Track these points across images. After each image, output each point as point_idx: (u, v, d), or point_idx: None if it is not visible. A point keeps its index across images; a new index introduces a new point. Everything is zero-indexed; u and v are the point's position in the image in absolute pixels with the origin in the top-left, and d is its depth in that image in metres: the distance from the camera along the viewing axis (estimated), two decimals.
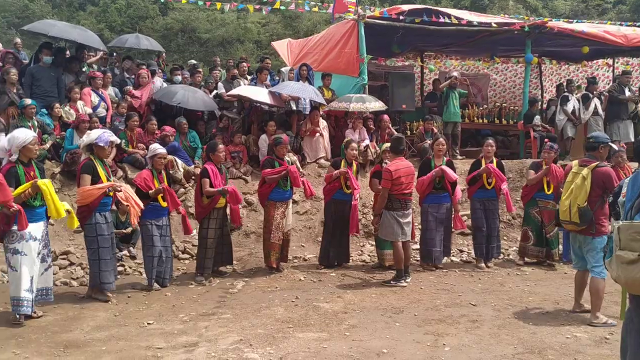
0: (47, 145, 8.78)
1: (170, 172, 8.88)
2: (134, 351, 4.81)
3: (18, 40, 13.81)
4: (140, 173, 7.14)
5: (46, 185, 5.55)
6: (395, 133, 10.58)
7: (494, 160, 8.11)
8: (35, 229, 5.67)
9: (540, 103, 13.77)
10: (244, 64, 12.01)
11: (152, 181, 6.84)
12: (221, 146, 7.50)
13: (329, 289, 6.87)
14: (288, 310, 5.97)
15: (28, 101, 8.66)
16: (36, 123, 8.72)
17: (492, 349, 4.89)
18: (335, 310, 5.97)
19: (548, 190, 8.00)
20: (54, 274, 7.19)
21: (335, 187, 7.85)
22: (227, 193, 7.10)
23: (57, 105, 9.18)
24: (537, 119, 12.12)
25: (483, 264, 8.02)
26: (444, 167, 7.66)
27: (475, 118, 13.31)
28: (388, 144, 8.03)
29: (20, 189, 5.43)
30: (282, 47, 13.84)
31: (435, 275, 7.58)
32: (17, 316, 5.50)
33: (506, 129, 13.79)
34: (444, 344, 4.99)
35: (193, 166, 9.40)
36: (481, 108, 13.79)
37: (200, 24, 32.53)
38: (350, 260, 8.24)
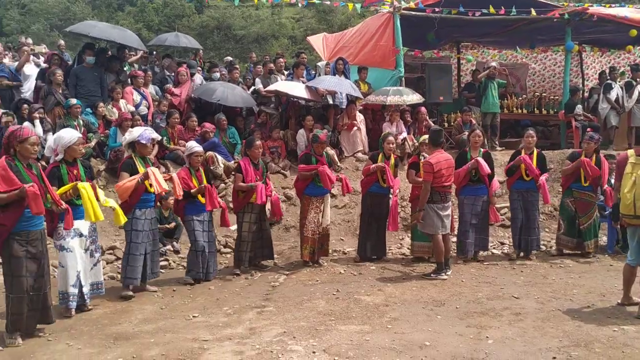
0: (92, 144, 9.06)
1: (211, 167, 9.06)
2: (181, 343, 4.93)
3: (62, 42, 14.26)
4: (178, 172, 7.21)
5: (85, 189, 5.55)
6: (433, 125, 10.56)
7: (535, 151, 7.99)
8: (82, 225, 5.76)
9: (581, 92, 13.45)
10: (281, 59, 12.11)
11: (190, 179, 6.94)
12: (258, 142, 7.57)
13: (369, 282, 6.90)
14: (329, 303, 6.03)
15: (73, 101, 8.95)
16: (81, 122, 9.01)
17: (537, 342, 4.84)
18: (377, 303, 6.00)
19: (585, 183, 7.88)
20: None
21: (372, 180, 7.86)
22: (202, 191, 6.99)
23: (101, 104, 9.45)
24: (579, 108, 11.86)
25: (515, 256, 7.97)
26: (479, 159, 7.59)
27: (515, 108, 13.09)
28: (426, 136, 7.99)
29: (62, 190, 5.51)
30: (318, 41, 13.88)
31: (476, 268, 7.52)
32: (68, 308, 5.70)
33: (546, 119, 13.54)
34: (487, 337, 4.97)
35: (233, 162, 9.53)
36: (520, 98, 13.54)
37: (235, 21, 32.88)
38: (390, 254, 8.26)
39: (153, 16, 34.21)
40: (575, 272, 7.22)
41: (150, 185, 6.39)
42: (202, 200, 6.97)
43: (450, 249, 7.29)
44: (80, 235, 5.78)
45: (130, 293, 6.38)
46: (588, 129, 10.10)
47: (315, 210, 7.59)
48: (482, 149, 7.91)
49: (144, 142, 6.43)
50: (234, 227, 7.92)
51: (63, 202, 5.31)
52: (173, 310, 5.91)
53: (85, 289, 5.84)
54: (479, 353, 4.60)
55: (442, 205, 7.06)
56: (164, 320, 5.60)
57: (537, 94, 13.75)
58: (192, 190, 6.87)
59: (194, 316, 5.68)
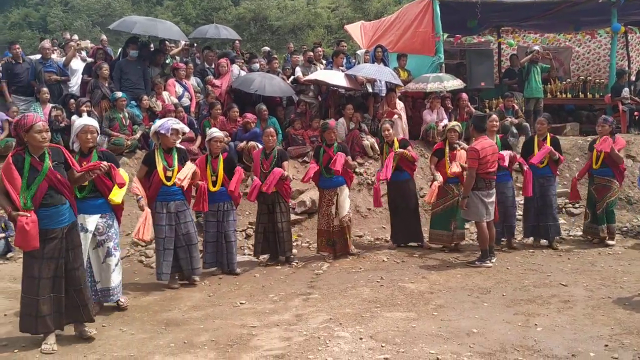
0: (137, 135, 9.27)
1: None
2: (230, 329, 5.03)
3: (104, 37, 14.56)
4: (197, 160, 7.09)
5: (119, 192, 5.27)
6: (474, 111, 10.42)
7: (548, 136, 7.87)
8: (89, 220, 5.34)
9: (628, 75, 13.04)
10: (319, 48, 12.10)
11: (204, 167, 6.86)
12: (268, 130, 7.54)
13: (413, 269, 6.90)
14: (374, 291, 6.05)
15: (119, 94, 9.16)
16: (127, 114, 9.23)
17: (587, 330, 4.76)
18: (421, 291, 5.99)
19: (595, 165, 7.80)
20: (148, 257, 7.67)
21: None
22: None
23: (145, 97, 9.64)
24: (626, 92, 11.54)
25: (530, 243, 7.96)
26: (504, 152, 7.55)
27: (558, 93, 12.80)
28: (454, 123, 7.97)
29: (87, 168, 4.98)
30: (356, 29, 13.83)
31: (520, 255, 7.43)
32: None
33: (591, 103, 13.20)
34: (535, 324, 4.91)
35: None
36: (564, 82, 13.23)
37: (271, 12, 32.98)
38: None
39: (190, 9, 34.60)
40: (624, 260, 7.06)
41: (168, 178, 6.24)
42: (212, 188, 6.84)
43: (494, 236, 7.21)
44: (86, 231, 5.30)
45: (175, 286, 6.43)
46: (636, 113, 9.88)
47: (327, 203, 7.56)
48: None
49: (162, 132, 6.23)
50: None
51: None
52: (220, 298, 6.03)
53: (99, 287, 5.48)
54: (528, 340, 4.55)
55: (486, 192, 6.97)
56: (212, 307, 5.72)
57: (582, 77, 13.40)
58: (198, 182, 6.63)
59: (241, 303, 5.79)
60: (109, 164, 5.04)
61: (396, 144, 7.90)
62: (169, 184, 6.23)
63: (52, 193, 4.59)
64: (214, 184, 6.90)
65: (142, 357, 4.46)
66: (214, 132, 7.08)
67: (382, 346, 4.50)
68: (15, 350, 4.64)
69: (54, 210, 4.61)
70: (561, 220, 9.06)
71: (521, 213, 8.38)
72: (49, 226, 4.58)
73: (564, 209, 9.34)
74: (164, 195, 6.27)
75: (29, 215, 4.38)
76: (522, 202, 8.38)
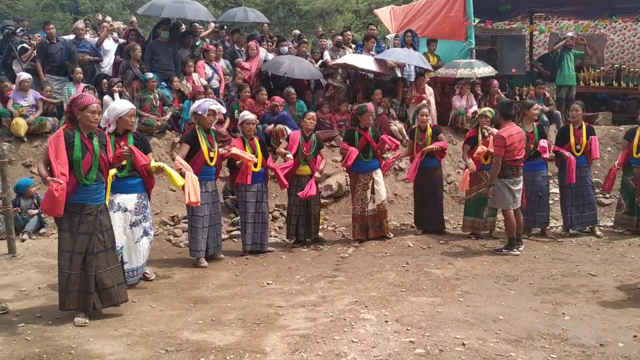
0: (168, 117, 9.39)
1: (281, 140, 9.17)
2: (257, 308, 5.10)
3: (134, 19, 14.69)
4: (232, 142, 7.15)
5: (162, 166, 5.52)
6: (504, 98, 10.28)
7: (583, 124, 7.72)
8: (126, 200, 5.54)
9: None
10: (348, 32, 12.04)
11: (243, 149, 6.91)
12: (310, 113, 7.59)
13: (439, 255, 6.89)
14: (399, 275, 6.06)
15: (150, 75, 9.27)
16: (157, 95, 9.34)
17: (616, 320, 4.71)
18: (447, 277, 5.99)
19: (636, 154, 7.65)
20: (176, 236, 7.79)
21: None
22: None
23: (176, 78, 9.72)
24: None
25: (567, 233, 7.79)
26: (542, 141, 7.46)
27: (591, 81, 12.53)
28: (486, 109, 7.89)
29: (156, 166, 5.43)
30: (385, 14, 13.69)
31: (549, 244, 7.36)
32: None
33: (625, 93, 12.90)
34: (563, 313, 4.87)
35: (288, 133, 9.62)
36: (597, 70, 12.94)
37: None
38: (459, 228, 8.20)
39: None
40: None
41: (211, 159, 6.43)
42: (254, 169, 6.90)
43: (521, 224, 7.14)
44: (125, 210, 5.55)
45: (204, 264, 6.53)
46: None
47: (362, 187, 7.52)
48: (584, 123, 7.78)
49: (200, 112, 6.38)
50: None
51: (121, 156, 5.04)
52: (247, 277, 6.11)
53: (127, 267, 5.59)
54: (555, 329, 4.52)
55: (513, 180, 6.90)
56: (239, 286, 5.81)
57: (616, 65, 13.09)
58: (237, 162, 6.84)
59: (267, 283, 5.86)
60: (128, 148, 5.14)
61: (429, 131, 7.86)
62: (212, 164, 6.43)
63: (95, 170, 4.78)
64: (255, 164, 6.95)
65: (171, 333, 4.55)
66: (246, 114, 7.14)
67: (408, 329, 4.52)
68: (49, 322, 4.77)
69: (95, 186, 4.80)
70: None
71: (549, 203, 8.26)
72: (86, 202, 4.76)
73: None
74: (205, 175, 6.43)
75: (61, 182, 4.49)
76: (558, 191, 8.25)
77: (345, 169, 7.99)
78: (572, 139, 7.67)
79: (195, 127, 6.51)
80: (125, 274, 5.49)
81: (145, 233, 5.72)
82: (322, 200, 8.96)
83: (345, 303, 5.20)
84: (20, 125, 8.87)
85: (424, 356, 4.03)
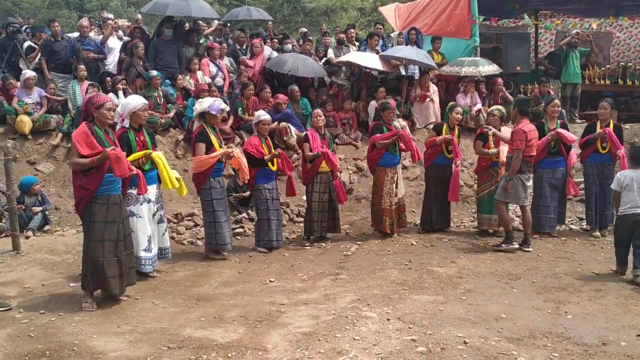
0: (171, 114, 9.40)
1: (284, 138, 9.20)
2: (259, 306, 5.11)
3: (139, 16, 14.69)
4: (249, 140, 7.30)
5: (160, 158, 5.73)
6: (509, 96, 10.26)
7: (611, 123, 7.66)
8: (150, 191, 5.82)
9: None
10: (352, 30, 12.01)
11: (261, 146, 7.04)
12: (316, 110, 7.65)
13: (442, 253, 6.88)
14: (402, 273, 6.06)
15: (154, 73, 9.28)
16: (161, 93, 9.35)
17: (620, 319, 4.70)
18: (450, 275, 5.98)
19: None
20: (180, 233, 7.82)
21: (437, 152, 7.80)
22: (276, 157, 7.09)
23: (180, 76, 9.72)
24: None
25: (598, 233, 7.65)
26: (560, 130, 7.36)
27: (597, 79, 12.47)
28: (495, 107, 7.87)
29: (134, 156, 5.58)
30: (390, 11, 13.65)
31: (552, 243, 7.33)
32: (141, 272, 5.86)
33: (631, 91, 12.82)
34: (566, 312, 4.87)
35: (305, 132, 9.61)
36: (603, 68, 12.88)
37: None
38: (462, 226, 8.20)
39: None
40: None
41: (272, 164, 6.96)
42: (273, 167, 7.08)
43: (531, 221, 7.11)
44: (149, 201, 5.89)
45: (225, 253, 6.78)
46: None
47: (390, 181, 7.56)
48: (559, 120, 7.67)
49: (214, 112, 6.55)
50: (304, 196, 8.03)
51: (134, 168, 5.39)
52: (250, 275, 6.12)
53: (151, 254, 5.95)
54: (558, 327, 4.52)
55: (528, 176, 6.95)
56: (242, 284, 5.82)
57: (622, 63, 13.02)
58: (265, 157, 6.99)
59: (270, 281, 5.87)
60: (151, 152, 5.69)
61: (456, 130, 7.88)
62: (223, 160, 6.62)
63: None
64: (272, 163, 7.09)
65: (173, 330, 4.56)
66: (262, 114, 7.25)
67: (410, 327, 4.52)
68: (53, 319, 4.80)
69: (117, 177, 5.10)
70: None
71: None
72: (111, 192, 5.12)
73: None
74: (217, 171, 6.67)
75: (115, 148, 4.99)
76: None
77: (368, 164, 7.98)
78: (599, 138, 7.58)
79: (204, 126, 6.62)
80: (150, 260, 5.93)
81: (161, 220, 6.16)
82: None
83: (348, 301, 5.20)
84: (25, 122, 8.90)
85: (426, 354, 4.03)
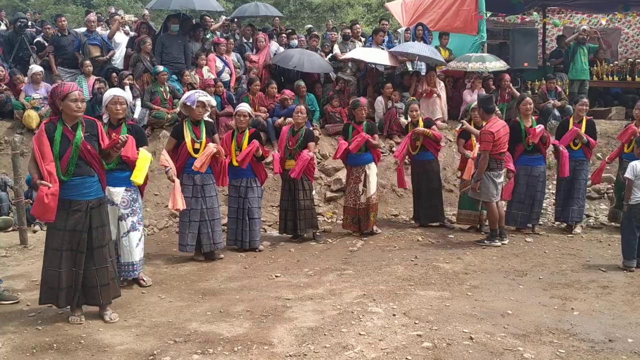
0: (178, 109, 9.36)
1: None
2: (265, 301, 5.12)
3: (146, 11, 14.69)
4: (224, 135, 7.08)
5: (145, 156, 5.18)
6: (516, 93, 10.22)
7: (584, 119, 7.68)
8: (113, 193, 5.30)
9: None
10: (357, 25, 11.98)
11: (230, 142, 6.81)
12: (298, 107, 7.43)
13: (448, 250, 6.87)
14: (408, 269, 6.06)
15: (160, 68, 9.29)
16: (167, 88, 9.36)
17: (627, 316, 4.68)
18: (456, 271, 5.97)
19: (627, 149, 7.56)
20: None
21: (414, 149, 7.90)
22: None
23: (187, 72, 9.73)
24: None
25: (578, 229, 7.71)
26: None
27: (605, 75, 12.39)
28: (474, 103, 7.84)
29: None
30: (396, 7, 13.57)
31: (559, 239, 7.31)
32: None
33: (638, 87, 12.72)
34: (572, 309, 4.85)
35: (311, 128, 9.60)
36: (611, 65, 12.79)
37: None
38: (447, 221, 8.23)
39: None
40: None
41: (196, 150, 6.18)
42: (236, 163, 6.74)
43: (503, 216, 7.18)
44: (112, 203, 5.29)
45: (201, 258, 6.47)
46: None
47: (354, 180, 7.52)
48: (533, 117, 7.69)
49: (189, 104, 6.18)
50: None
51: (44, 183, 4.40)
52: (256, 270, 6.13)
53: (122, 260, 5.44)
54: (564, 324, 4.50)
55: (497, 173, 6.98)
56: (248, 279, 5.83)
57: (630, 60, 12.93)
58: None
59: (276, 276, 5.88)
60: (126, 136, 4.72)
61: (421, 124, 7.87)
62: (196, 156, 6.17)
63: (80, 164, 4.48)
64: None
65: (179, 324, 4.58)
66: (241, 106, 7.01)
67: (415, 323, 4.52)
68: (60, 312, 4.80)
69: (79, 180, 4.49)
70: (602, 206, 8.89)
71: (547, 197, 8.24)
72: (73, 197, 4.48)
73: (605, 194, 9.14)
74: (191, 167, 6.20)
75: (50, 186, 4.26)
76: (554, 189, 8.24)
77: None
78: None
79: (184, 120, 6.35)
80: (122, 267, 5.43)
81: (133, 228, 5.44)
82: (330, 195, 9.00)
83: (354, 296, 5.20)
84: (32, 117, 8.95)
85: (431, 349, 4.03)
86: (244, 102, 9.17)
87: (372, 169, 7.56)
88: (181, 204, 5.72)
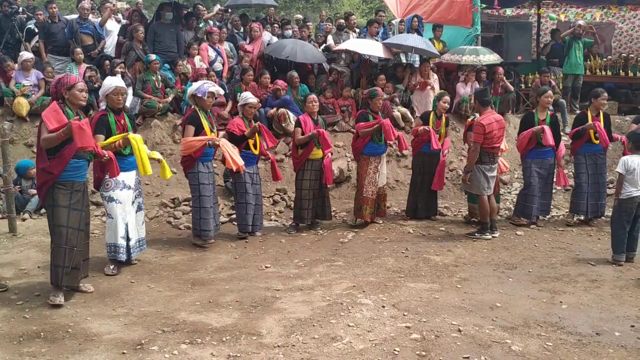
0: (170, 99, 9.35)
1: (283, 124, 9.18)
2: (254, 291, 5.11)
3: (139, 0, 14.54)
4: (233, 120, 7.22)
5: (136, 140, 5.37)
6: (509, 86, 10.21)
7: (601, 113, 7.63)
8: (128, 177, 5.64)
9: None
10: (353, 16, 11.92)
11: (244, 126, 6.95)
12: (311, 96, 7.45)
13: (439, 242, 6.87)
14: (398, 261, 6.06)
15: (153, 57, 9.21)
16: (160, 77, 9.29)
17: (614, 310, 4.71)
18: (446, 263, 5.98)
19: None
20: (177, 218, 7.81)
21: (424, 140, 7.76)
22: (317, 136, 7.03)
23: (180, 61, 9.65)
24: None
25: (572, 221, 7.74)
26: (546, 128, 7.31)
27: (598, 70, 12.42)
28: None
29: (111, 140, 5.36)
30: None
31: (549, 233, 7.33)
32: (111, 267, 5.62)
33: (631, 82, 12.77)
34: (560, 302, 4.88)
35: (296, 118, 9.56)
36: (604, 59, 12.82)
37: None
38: (460, 215, 8.21)
39: None
40: None
41: (255, 146, 6.83)
42: (255, 150, 6.99)
43: (495, 209, 7.19)
44: (129, 187, 5.67)
45: (212, 241, 6.66)
46: None
47: (373, 170, 7.49)
48: (549, 111, 7.63)
49: (200, 95, 6.39)
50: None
51: (105, 152, 5.11)
52: (246, 260, 6.12)
53: (132, 243, 5.73)
54: (552, 317, 4.53)
55: (489, 167, 6.97)
56: (237, 269, 5.81)
57: (624, 55, 12.96)
58: (245, 132, 6.87)
59: (266, 267, 5.87)
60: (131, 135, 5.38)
61: (444, 119, 7.87)
62: (209, 146, 6.47)
63: None
64: (255, 146, 7.02)
65: (168, 314, 4.57)
66: (249, 97, 7.11)
67: (404, 315, 4.53)
68: (48, 301, 4.79)
69: (82, 163, 4.92)
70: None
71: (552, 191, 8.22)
72: (75, 178, 4.88)
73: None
74: (206, 156, 6.51)
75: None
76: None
77: (353, 153, 7.87)
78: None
79: (196, 109, 6.49)
80: (131, 249, 5.74)
81: (139, 208, 5.92)
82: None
83: (343, 287, 5.21)
84: (22, 105, 8.87)
85: (420, 341, 4.04)
86: (237, 92, 9.20)
87: (384, 159, 7.73)
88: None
